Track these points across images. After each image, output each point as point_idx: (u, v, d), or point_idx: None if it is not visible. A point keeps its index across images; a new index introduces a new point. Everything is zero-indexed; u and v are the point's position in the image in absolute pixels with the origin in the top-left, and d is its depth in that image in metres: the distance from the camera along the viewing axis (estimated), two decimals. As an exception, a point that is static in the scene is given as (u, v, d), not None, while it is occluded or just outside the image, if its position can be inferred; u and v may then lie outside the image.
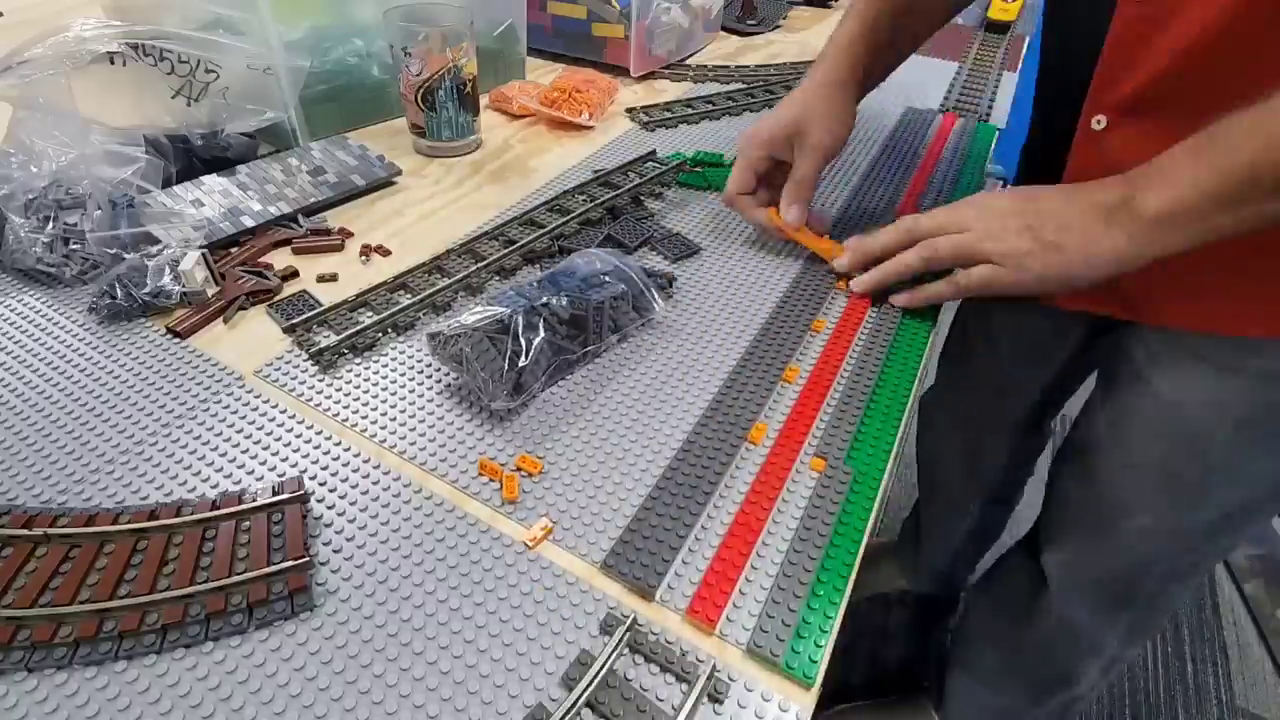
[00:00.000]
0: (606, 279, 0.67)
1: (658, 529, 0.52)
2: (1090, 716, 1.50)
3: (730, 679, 0.44)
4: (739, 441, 0.59)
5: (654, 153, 0.99)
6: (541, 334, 0.60)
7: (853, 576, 0.50)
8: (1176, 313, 0.71)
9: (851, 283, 0.76)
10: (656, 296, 0.69)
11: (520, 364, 0.58)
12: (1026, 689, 1.09)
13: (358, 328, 0.67)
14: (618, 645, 0.44)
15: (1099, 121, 0.66)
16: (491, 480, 0.55)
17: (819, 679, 0.44)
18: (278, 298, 0.72)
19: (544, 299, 0.62)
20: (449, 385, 0.63)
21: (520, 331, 0.59)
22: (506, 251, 0.78)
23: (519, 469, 0.56)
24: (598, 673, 0.43)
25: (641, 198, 0.91)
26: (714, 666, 0.44)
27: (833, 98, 0.79)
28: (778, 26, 1.62)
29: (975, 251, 0.65)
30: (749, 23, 1.57)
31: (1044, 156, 0.76)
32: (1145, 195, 0.56)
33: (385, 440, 0.58)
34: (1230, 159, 0.52)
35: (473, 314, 0.60)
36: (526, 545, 0.51)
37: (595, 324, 0.65)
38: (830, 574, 0.50)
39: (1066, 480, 0.93)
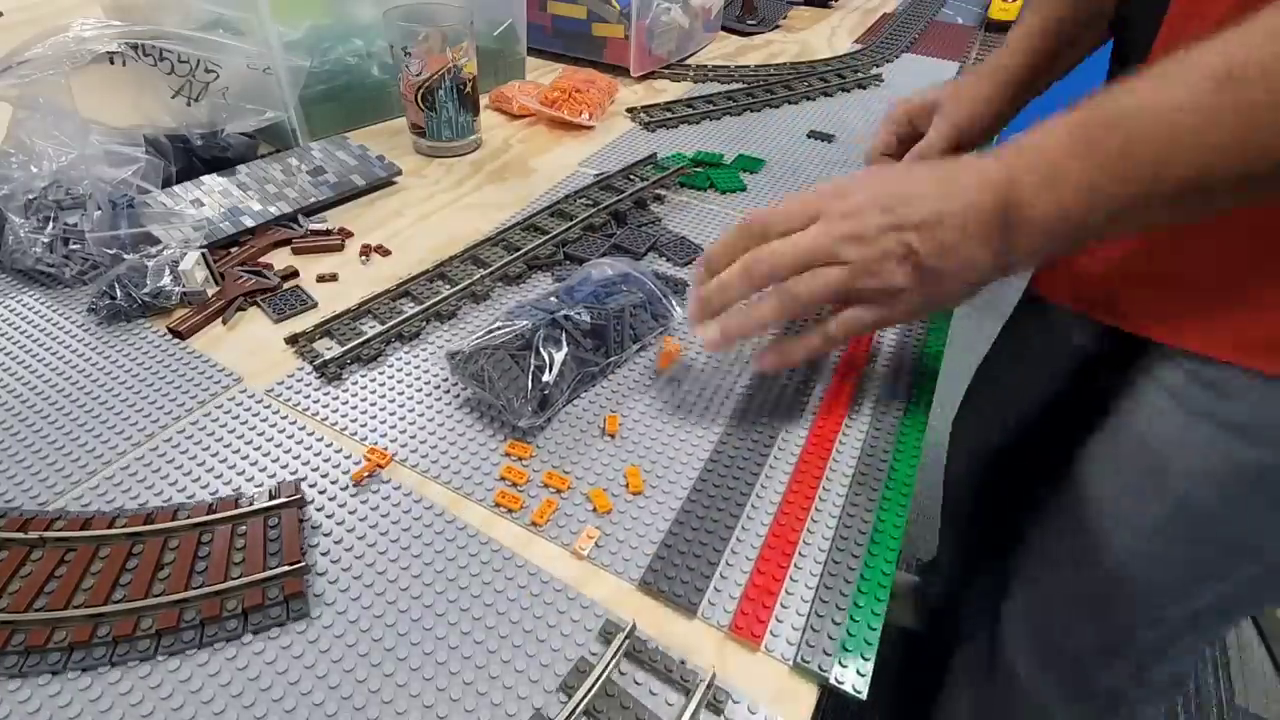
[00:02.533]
0: (622, 286, 0.66)
1: (693, 543, 0.51)
2: (1090, 717, 1.50)
3: (729, 689, 0.44)
4: (767, 449, 0.58)
5: (654, 156, 0.99)
6: (565, 348, 0.59)
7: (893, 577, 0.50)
8: (1141, 313, 0.64)
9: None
10: (674, 303, 0.69)
11: (545, 379, 0.58)
12: None
13: (362, 339, 0.67)
14: (616, 653, 0.44)
15: None
16: (514, 485, 0.55)
17: (865, 691, 0.44)
18: (269, 293, 0.73)
19: (564, 311, 0.61)
20: (453, 393, 0.63)
21: (542, 346, 0.59)
22: (511, 258, 0.78)
23: (546, 485, 0.55)
24: (596, 681, 0.43)
25: (645, 201, 0.91)
26: (713, 676, 0.43)
27: (981, 81, 0.79)
28: (778, 26, 1.62)
29: (848, 291, 0.52)
30: (749, 23, 1.57)
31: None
32: (1031, 205, 0.47)
33: (386, 448, 0.58)
34: (1128, 159, 0.44)
35: (492, 330, 0.59)
36: (576, 554, 0.51)
37: (616, 333, 0.64)
38: (870, 583, 0.49)
39: (1035, 520, 0.86)
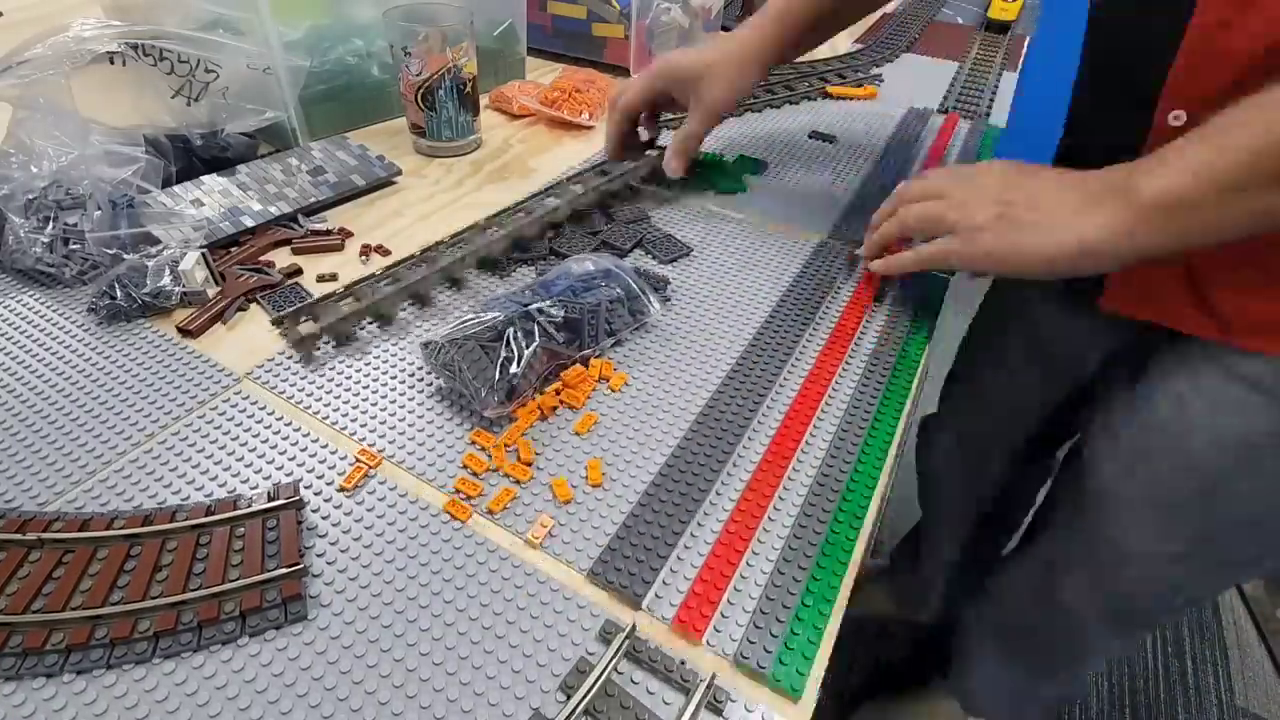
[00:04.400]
0: (600, 282, 0.67)
1: (645, 537, 0.52)
2: (1091, 717, 1.50)
3: (729, 689, 0.44)
4: (729, 450, 0.58)
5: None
6: (536, 339, 0.60)
7: (843, 589, 0.50)
8: (1204, 320, 0.65)
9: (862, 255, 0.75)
10: (652, 300, 0.69)
11: (512, 370, 0.58)
12: (1034, 672, 1.10)
13: (338, 316, 0.67)
14: (616, 654, 0.44)
15: (1177, 118, 0.58)
16: (475, 474, 0.56)
17: (806, 692, 0.44)
18: (270, 290, 0.73)
19: (536, 304, 0.62)
20: (439, 389, 0.63)
21: (513, 338, 0.59)
22: (496, 238, 0.77)
23: (507, 475, 0.56)
24: (596, 681, 0.43)
25: (633, 186, 0.91)
26: (713, 676, 0.44)
27: (746, 68, 0.82)
28: (780, 25, 1.61)
29: (940, 222, 0.62)
30: (751, 22, 1.56)
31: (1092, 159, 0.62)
32: (1143, 179, 0.52)
33: (380, 447, 0.58)
34: (1231, 142, 0.49)
35: (465, 321, 0.60)
36: (529, 543, 0.51)
37: (590, 327, 0.65)
38: (820, 584, 0.49)
39: (1063, 496, 0.93)
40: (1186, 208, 0.51)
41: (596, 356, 0.66)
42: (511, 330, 0.60)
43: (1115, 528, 0.79)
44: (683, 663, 0.45)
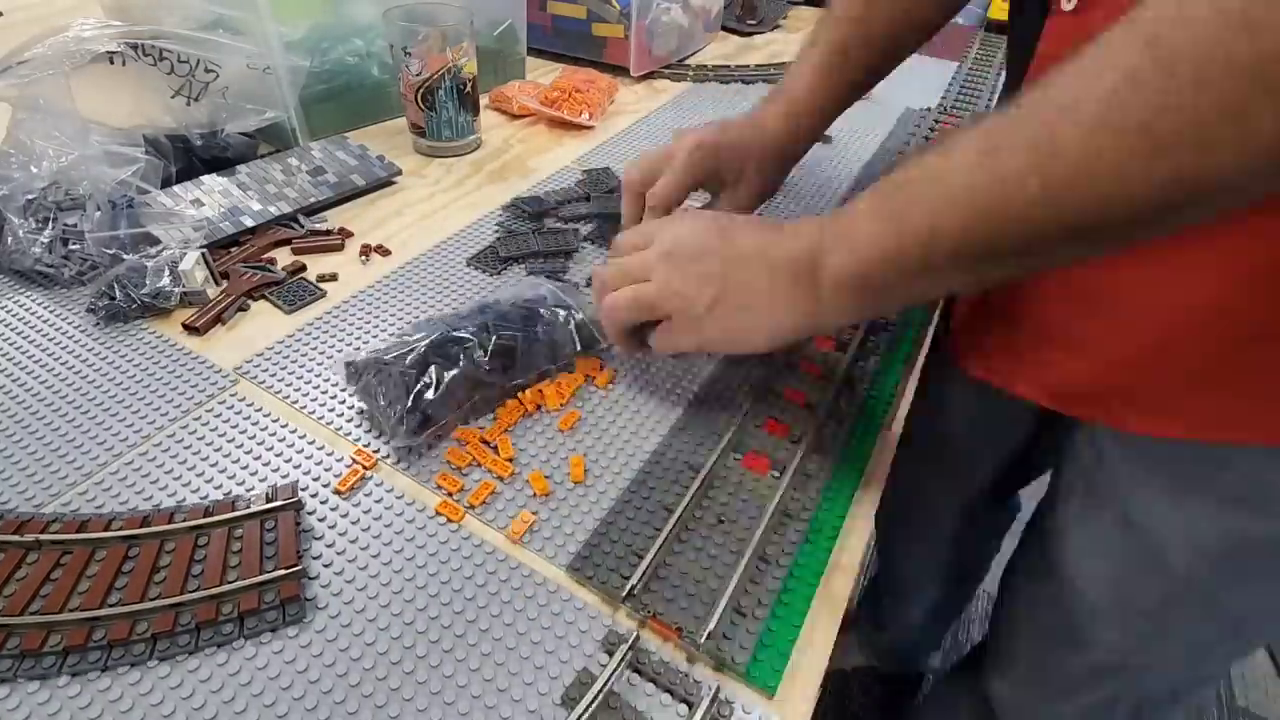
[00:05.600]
0: (542, 310, 0.64)
1: (626, 533, 0.52)
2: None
3: (732, 700, 0.43)
4: (712, 449, 0.58)
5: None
6: (460, 366, 0.58)
7: (824, 584, 0.50)
8: (1134, 412, 0.59)
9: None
10: (601, 330, 0.65)
11: (426, 398, 0.56)
12: None
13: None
14: (619, 665, 0.44)
15: (1069, 2, 0.54)
16: (460, 469, 0.56)
17: (783, 689, 0.44)
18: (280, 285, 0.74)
19: (462, 330, 0.60)
20: (360, 411, 0.63)
21: (434, 365, 0.57)
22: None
23: (489, 471, 0.56)
24: (598, 693, 0.42)
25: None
26: (718, 689, 0.43)
27: (783, 149, 0.77)
28: (778, 26, 1.62)
29: (656, 308, 0.57)
30: (749, 23, 1.56)
31: (1020, 48, 0.60)
32: (831, 257, 0.50)
33: (374, 448, 0.58)
34: (908, 219, 0.45)
35: (387, 344, 0.59)
36: (510, 537, 0.51)
37: (525, 356, 0.62)
38: (799, 581, 0.50)
39: (1017, 599, 0.84)
40: (872, 288, 0.49)
41: (526, 389, 0.63)
42: (433, 356, 0.57)
43: (1086, 622, 0.71)
44: (687, 675, 0.44)
